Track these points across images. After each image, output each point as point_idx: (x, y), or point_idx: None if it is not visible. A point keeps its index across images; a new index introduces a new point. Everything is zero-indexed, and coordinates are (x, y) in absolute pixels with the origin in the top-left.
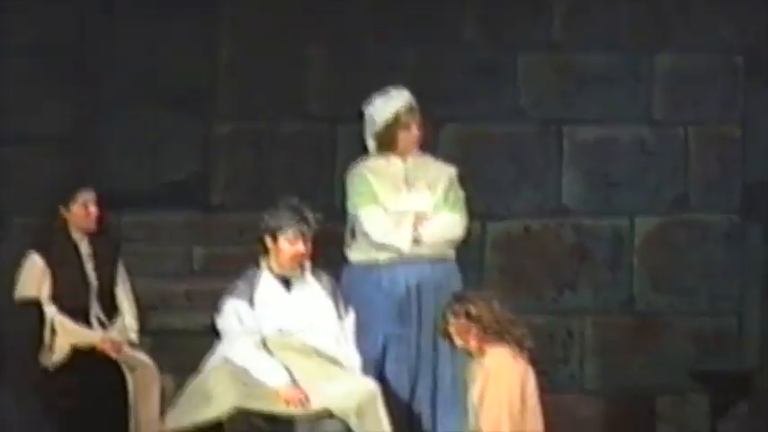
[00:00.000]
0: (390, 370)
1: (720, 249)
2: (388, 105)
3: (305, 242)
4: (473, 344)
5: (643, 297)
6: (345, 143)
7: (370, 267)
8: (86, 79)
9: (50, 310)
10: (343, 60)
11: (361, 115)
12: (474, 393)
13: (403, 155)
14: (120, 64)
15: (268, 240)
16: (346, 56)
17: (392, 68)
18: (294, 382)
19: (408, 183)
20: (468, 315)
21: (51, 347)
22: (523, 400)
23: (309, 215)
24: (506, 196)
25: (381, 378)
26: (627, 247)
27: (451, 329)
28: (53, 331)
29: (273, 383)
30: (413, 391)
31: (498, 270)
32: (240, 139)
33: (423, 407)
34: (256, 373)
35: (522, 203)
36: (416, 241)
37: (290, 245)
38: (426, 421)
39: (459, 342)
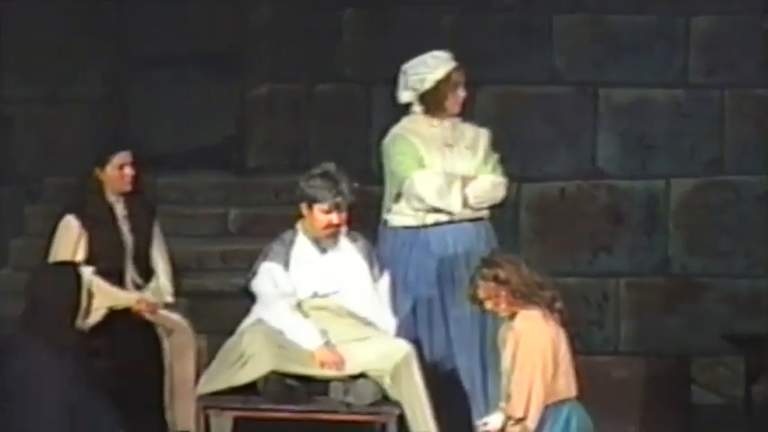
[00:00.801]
0: (445, 333)
1: (756, 211)
2: (439, 65)
3: (339, 213)
4: (503, 307)
5: (678, 259)
6: (380, 106)
7: (418, 230)
8: (121, 40)
9: (88, 273)
10: (379, 23)
11: (395, 79)
12: (506, 357)
13: (445, 117)
14: (155, 25)
15: (303, 207)
16: (382, 19)
17: (428, 31)
18: (329, 344)
19: (449, 145)
20: (496, 279)
21: (88, 310)
22: (556, 363)
23: (345, 186)
24: (542, 158)
25: (437, 341)
26: (662, 210)
27: (481, 293)
28: (90, 294)
29: (309, 346)
30: (469, 354)
31: (533, 232)
32: (276, 101)
33: (473, 367)
34: (292, 335)
35: (557, 166)
36: (464, 203)
37: (324, 215)
38: (476, 380)
39: (489, 305)
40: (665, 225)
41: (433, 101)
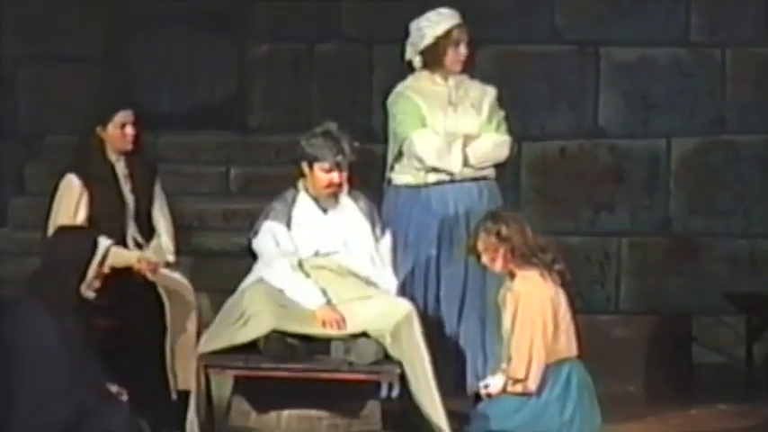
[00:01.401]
0: (443, 291)
1: (756, 171)
2: (441, 20)
3: (340, 172)
4: (498, 264)
5: (679, 219)
6: (381, 64)
7: (419, 189)
8: None
9: (105, 244)
10: None
11: (396, 37)
12: (506, 318)
13: (447, 74)
14: None
15: (304, 166)
16: None
17: None
18: (330, 303)
19: (453, 103)
20: (498, 234)
21: (92, 281)
22: (555, 323)
23: (346, 145)
24: (543, 117)
25: (434, 299)
26: (663, 169)
27: (480, 246)
28: (102, 261)
29: (310, 305)
30: (461, 312)
31: (534, 191)
32: (277, 60)
33: (471, 328)
34: (293, 294)
35: (558, 125)
36: (465, 163)
37: (325, 173)
38: (475, 342)
39: (485, 259)
40: (666, 184)
41: (431, 57)
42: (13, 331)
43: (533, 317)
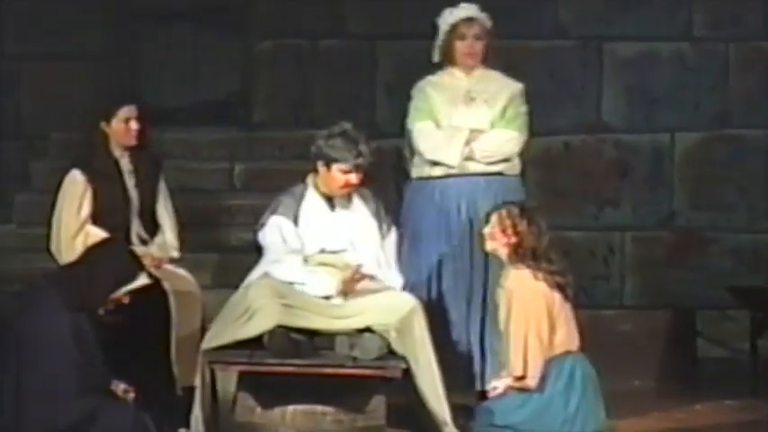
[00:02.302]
0: (446, 285)
1: (760, 165)
2: (450, 16)
3: (357, 174)
4: (497, 247)
5: (683, 213)
6: (385, 60)
7: (426, 182)
8: None
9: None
10: None
11: (400, 33)
12: (501, 318)
13: (466, 69)
14: None
15: (320, 165)
16: None
17: None
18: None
19: (468, 98)
20: (514, 226)
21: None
22: (551, 318)
23: (365, 147)
24: (546, 112)
25: (437, 293)
26: (667, 164)
27: (493, 220)
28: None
29: (328, 289)
30: (468, 307)
31: (538, 186)
32: (281, 55)
33: (472, 322)
34: (309, 284)
35: (562, 119)
36: (470, 158)
37: (343, 174)
38: (476, 335)
39: (487, 230)
40: (669, 179)
41: (443, 51)
42: (28, 319)
43: (526, 313)
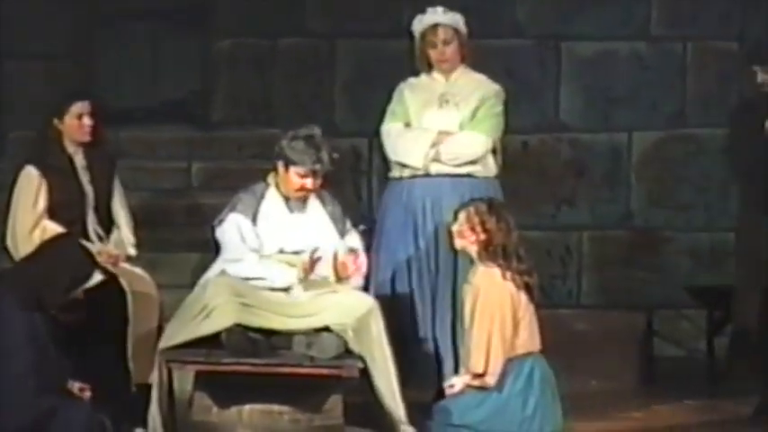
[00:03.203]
0: (411, 284)
1: (717, 165)
2: (418, 24)
3: (314, 179)
4: (467, 245)
5: (640, 212)
6: (344, 59)
7: (397, 182)
8: None
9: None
10: None
11: (360, 32)
12: (466, 314)
13: (444, 72)
14: None
15: (280, 165)
16: None
17: None
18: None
19: (443, 100)
20: (483, 224)
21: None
22: (516, 318)
23: (326, 155)
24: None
25: (402, 292)
26: (624, 163)
27: (461, 217)
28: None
29: (289, 280)
30: (434, 306)
31: None
32: (239, 55)
33: (442, 323)
34: (269, 278)
35: (519, 119)
36: (436, 159)
37: (299, 178)
38: (446, 336)
39: (455, 228)
40: (627, 178)
41: (419, 58)
42: None
43: (492, 311)
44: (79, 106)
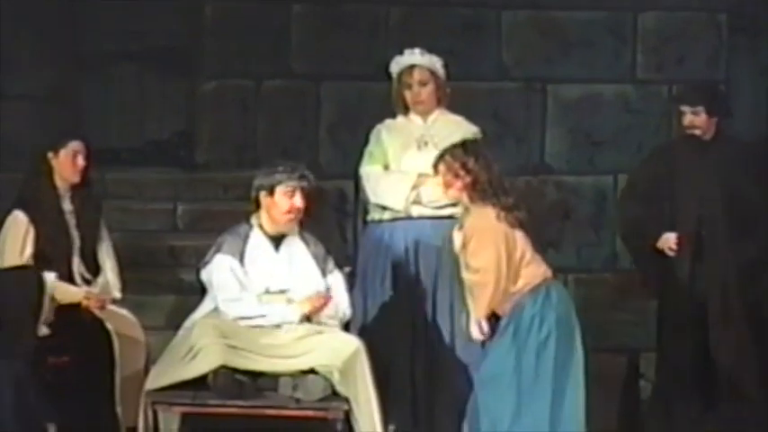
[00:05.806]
0: (390, 325)
1: None
2: (395, 66)
3: (302, 197)
4: (456, 194)
5: (626, 255)
6: (329, 101)
7: (377, 225)
8: (70, 36)
9: (51, 278)
10: (327, 19)
11: (344, 74)
12: (457, 244)
13: (422, 114)
14: (103, 21)
15: (263, 195)
16: (330, 14)
17: (376, 27)
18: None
19: (422, 142)
20: (464, 165)
21: (48, 315)
22: (513, 259)
23: (308, 173)
24: (490, 154)
25: (381, 333)
26: (610, 206)
27: (441, 168)
28: (52, 300)
29: (291, 317)
30: (413, 346)
31: None
32: (224, 96)
33: (420, 361)
34: (271, 318)
35: (505, 161)
36: (417, 202)
37: (287, 198)
38: (424, 381)
39: (441, 182)
40: (612, 221)
41: (395, 100)
42: None
43: (486, 244)
44: (75, 145)
